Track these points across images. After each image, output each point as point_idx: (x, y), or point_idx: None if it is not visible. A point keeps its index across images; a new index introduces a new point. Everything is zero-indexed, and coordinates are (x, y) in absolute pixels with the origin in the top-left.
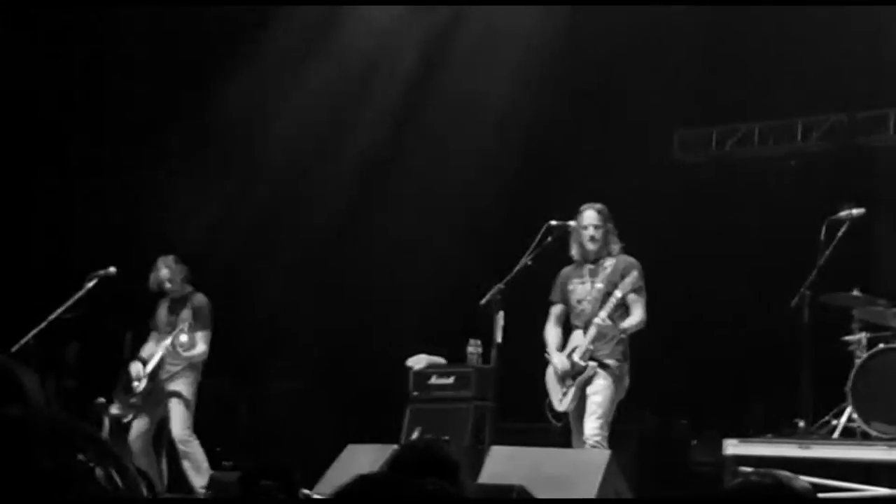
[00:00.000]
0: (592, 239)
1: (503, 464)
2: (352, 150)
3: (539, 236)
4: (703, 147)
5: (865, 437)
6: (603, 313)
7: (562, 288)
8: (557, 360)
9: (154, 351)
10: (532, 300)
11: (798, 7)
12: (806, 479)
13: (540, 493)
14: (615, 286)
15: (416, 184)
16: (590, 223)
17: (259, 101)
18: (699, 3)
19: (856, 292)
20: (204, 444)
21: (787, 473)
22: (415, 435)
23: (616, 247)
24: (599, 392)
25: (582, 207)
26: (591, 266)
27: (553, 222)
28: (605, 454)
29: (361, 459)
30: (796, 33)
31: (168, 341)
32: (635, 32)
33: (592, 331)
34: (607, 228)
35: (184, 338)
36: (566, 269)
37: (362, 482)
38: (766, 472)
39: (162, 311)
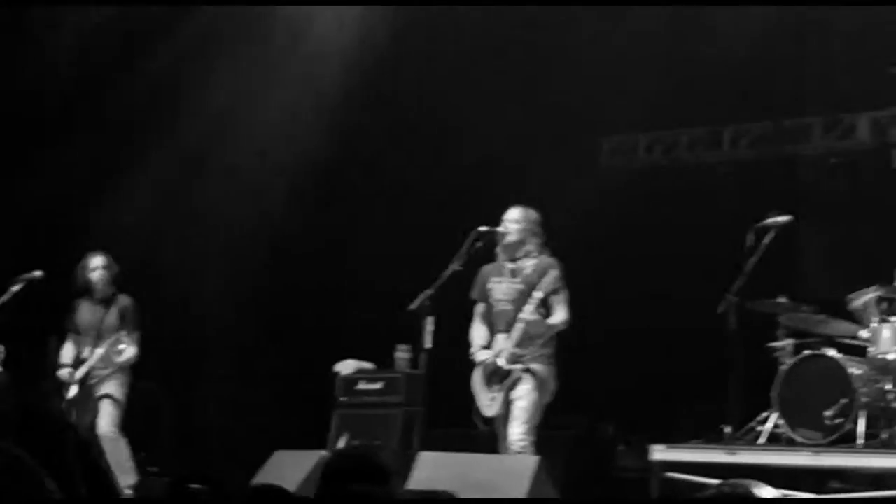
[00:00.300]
0: (508, 234)
1: (431, 470)
2: (284, 152)
3: (468, 242)
4: (631, 154)
5: (791, 444)
6: (529, 307)
7: (482, 286)
8: (483, 357)
9: (83, 355)
10: (461, 306)
11: (727, 15)
12: None
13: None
14: (534, 288)
15: (346, 186)
16: (509, 219)
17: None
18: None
19: (782, 299)
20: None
21: (754, 482)
22: (342, 440)
23: (541, 250)
24: (524, 397)
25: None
26: (511, 266)
27: (482, 228)
28: (533, 460)
29: (289, 465)
30: (725, 40)
31: (103, 349)
32: (568, 37)
33: (517, 332)
34: (529, 229)
35: (122, 347)
36: (487, 267)
37: None
38: (736, 483)
39: (85, 313)
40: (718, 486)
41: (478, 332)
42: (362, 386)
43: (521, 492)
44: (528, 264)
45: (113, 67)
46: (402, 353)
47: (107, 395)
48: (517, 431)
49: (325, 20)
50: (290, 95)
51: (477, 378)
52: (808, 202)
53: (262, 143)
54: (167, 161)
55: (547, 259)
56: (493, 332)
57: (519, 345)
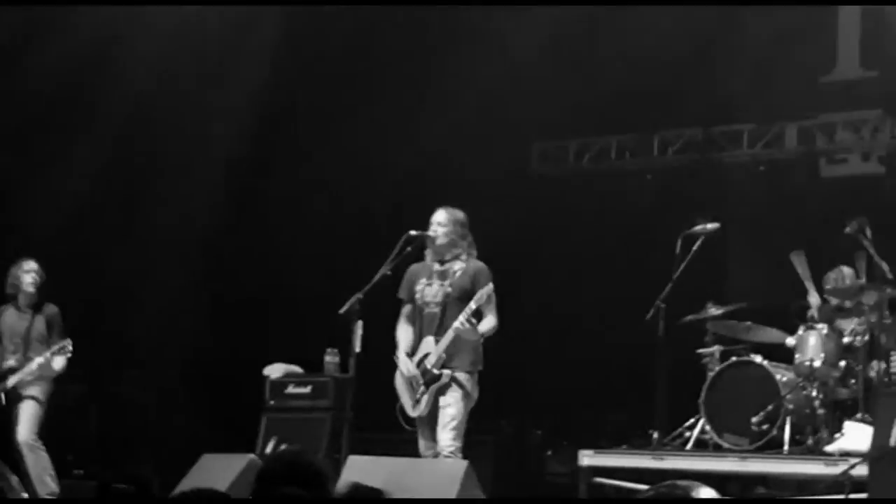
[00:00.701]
0: (436, 235)
1: (360, 473)
2: (217, 150)
3: (398, 246)
4: (561, 160)
5: (718, 449)
6: (462, 317)
7: (410, 286)
8: (404, 366)
9: (7, 363)
10: (391, 310)
11: (657, 20)
12: None
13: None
14: (463, 291)
15: (281, 187)
16: (437, 220)
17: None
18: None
19: (709, 306)
20: (54, 452)
21: (695, 483)
22: (270, 444)
23: (469, 252)
24: (452, 405)
25: None
26: (440, 268)
27: (412, 232)
28: (461, 464)
29: (216, 469)
30: (655, 47)
31: (42, 359)
32: (493, 48)
33: (448, 337)
34: (457, 231)
35: (58, 356)
36: (415, 267)
37: None
38: (674, 484)
39: (9, 319)
40: (657, 487)
41: (403, 334)
42: (291, 390)
43: (451, 495)
44: (457, 267)
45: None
46: (330, 357)
47: (31, 397)
48: (446, 438)
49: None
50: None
51: (400, 378)
52: (736, 210)
53: (187, 146)
54: (92, 159)
55: (475, 262)
56: (420, 333)
57: (447, 350)
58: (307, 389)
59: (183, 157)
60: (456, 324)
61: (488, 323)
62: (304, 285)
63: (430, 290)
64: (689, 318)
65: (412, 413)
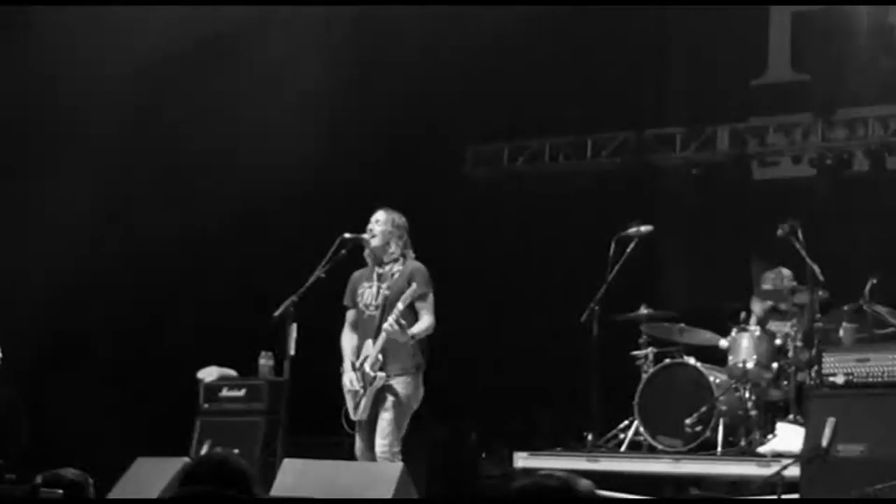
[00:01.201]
0: (373, 238)
1: (295, 476)
2: (145, 146)
3: (333, 249)
4: (495, 163)
5: (651, 451)
6: (391, 318)
7: (352, 292)
8: (348, 380)
9: None
10: (326, 312)
11: (590, 24)
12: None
13: None
14: (401, 293)
15: (208, 188)
16: (373, 223)
17: None
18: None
19: (643, 308)
20: None
21: (572, 475)
22: (205, 448)
23: (406, 253)
24: (390, 409)
25: None
26: (379, 271)
27: (347, 235)
28: (396, 467)
29: (151, 472)
30: (588, 51)
31: None
32: (427, 50)
33: (381, 339)
34: (394, 232)
35: None
36: (357, 273)
37: None
38: (549, 474)
39: None
40: (533, 475)
41: (347, 341)
42: (225, 393)
43: (386, 499)
44: (396, 269)
45: None
46: (265, 361)
47: None
48: (382, 443)
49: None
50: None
51: (346, 383)
52: (669, 212)
53: (117, 143)
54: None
55: (413, 263)
56: (361, 337)
57: (383, 353)
58: (241, 393)
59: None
60: (385, 325)
61: (423, 323)
62: (238, 287)
63: (369, 293)
64: (621, 317)
65: (353, 416)
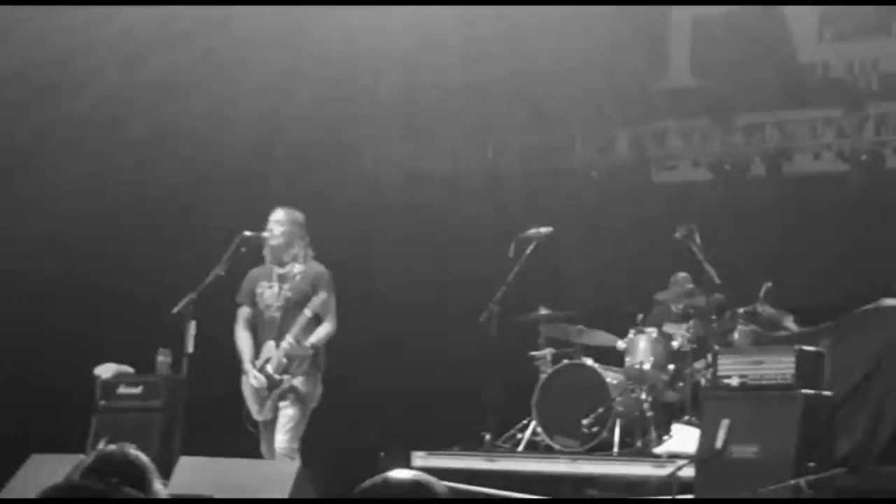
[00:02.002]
0: (273, 237)
1: (192, 474)
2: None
3: (232, 246)
4: (395, 163)
5: (549, 451)
6: (290, 337)
7: (249, 290)
8: (252, 378)
9: None
10: (225, 310)
11: (495, 24)
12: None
13: None
14: (304, 296)
15: (112, 186)
16: (274, 221)
17: None
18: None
19: (542, 309)
20: None
21: (426, 476)
22: (101, 445)
23: (307, 254)
24: (290, 407)
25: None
26: (280, 271)
27: (247, 232)
28: (293, 465)
29: (46, 470)
30: (490, 52)
31: None
32: (330, 49)
33: (283, 348)
34: (294, 231)
35: None
36: (255, 271)
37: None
38: (402, 471)
39: None
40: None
41: (244, 339)
42: (122, 390)
43: (282, 497)
44: (297, 270)
45: None
46: (163, 357)
47: None
48: (282, 440)
49: None
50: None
51: (247, 383)
52: (569, 214)
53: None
54: None
55: (315, 266)
56: (261, 337)
57: (287, 356)
58: (138, 390)
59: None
60: (284, 344)
61: (324, 330)
62: (136, 284)
63: (270, 293)
64: (520, 318)
65: (257, 417)
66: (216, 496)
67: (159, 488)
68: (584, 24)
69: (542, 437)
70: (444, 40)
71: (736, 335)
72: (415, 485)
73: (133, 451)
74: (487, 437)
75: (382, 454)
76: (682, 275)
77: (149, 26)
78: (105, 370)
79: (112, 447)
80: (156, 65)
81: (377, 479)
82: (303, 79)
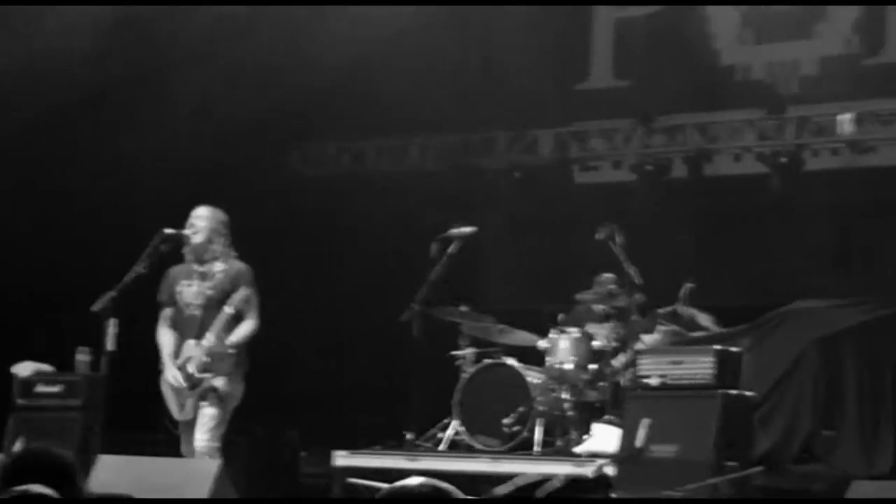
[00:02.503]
0: (195, 234)
1: (111, 473)
2: None
3: (152, 244)
4: (320, 161)
5: (470, 450)
6: (211, 336)
7: (170, 288)
8: (171, 376)
9: None
10: (145, 308)
11: (416, 24)
12: None
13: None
14: (225, 294)
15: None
16: (195, 218)
17: None
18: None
19: (464, 308)
20: None
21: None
22: (18, 444)
23: (228, 252)
24: (211, 406)
25: None
26: (200, 269)
27: (167, 230)
28: (214, 464)
29: None
30: (414, 52)
31: None
32: (257, 48)
33: (205, 347)
34: (216, 229)
35: None
36: (175, 269)
37: None
38: (423, 482)
39: None
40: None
41: (165, 338)
42: (41, 388)
43: (202, 496)
44: (218, 268)
45: None
46: (82, 356)
47: None
48: (202, 438)
49: None
50: None
51: (167, 383)
52: (492, 214)
53: None
54: None
55: (236, 264)
56: (181, 336)
57: (207, 355)
58: (57, 388)
59: None
60: (204, 342)
61: (246, 328)
62: (55, 282)
63: (190, 291)
64: (442, 317)
65: (178, 417)
66: (136, 496)
67: (83, 487)
68: (506, 25)
69: (464, 437)
70: (370, 37)
71: (657, 335)
72: (433, 490)
73: (57, 449)
74: (409, 436)
75: (303, 454)
76: (604, 275)
77: None
78: (23, 368)
79: (34, 446)
80: None
81: (396, 485)
82: (230, 76)
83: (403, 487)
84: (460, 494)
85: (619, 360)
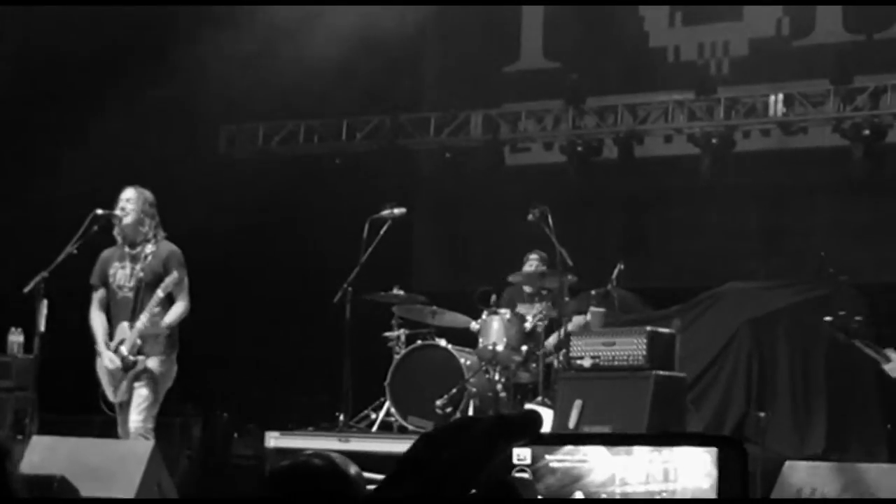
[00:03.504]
0: (123, 212)
1: (44, 454)
2: None
3: (85, 225)
4: (249, 143)
5: (403, 431)
6: (144, 318)
7: (102, 271)
8: (108, 360)
9: None
10: (78, 289)
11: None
12: None
13: (82, 484)
14: (155, 276)
15: None
16: (123, 200)
17: None
18: None
19: (396, 290)
20: None
21: (341, 457)
22: None
23: (158, 233)
24: (144, 387)
25: None
26: (131, 251)
27: (98, 211)
28: (147, 445)
29: None
30: (346, 34)
31: None
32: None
33: (138, 328)
34: (144, 210)
35: None
36: (107, 252)
37: None
38: (317, 453)
39: None
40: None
41: (97, 320)
42: None
43: (135, 477)
44: (148, 250)
45: None
46: (14, 337)
47: None
48: (136, 419)
49: None
50: None
51: (101, 365)
52: (423, 196)
53: None
54: None
55: (166, 245)
56: (114, 318)
57: (140, 337)
58: None
59: None
60: (138, 325)
61: (177, 309)
62: None
63: (122, 274)
64: (374, 298)
65: (113, 399)
66: (69, 476)
67: (12, 470)
68: (436, 7)
69: (396, 418)
70: (306, 20)
71: (588, 316)
72: (328, 464)
73: None
74: (341, 417)
75: (236, 435)
76: (534, 256)
77: None
78: None
79: None
80: None
81: (293, 460)
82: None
83: (300, 461)
84: (356, 469)
85: (550, 342)
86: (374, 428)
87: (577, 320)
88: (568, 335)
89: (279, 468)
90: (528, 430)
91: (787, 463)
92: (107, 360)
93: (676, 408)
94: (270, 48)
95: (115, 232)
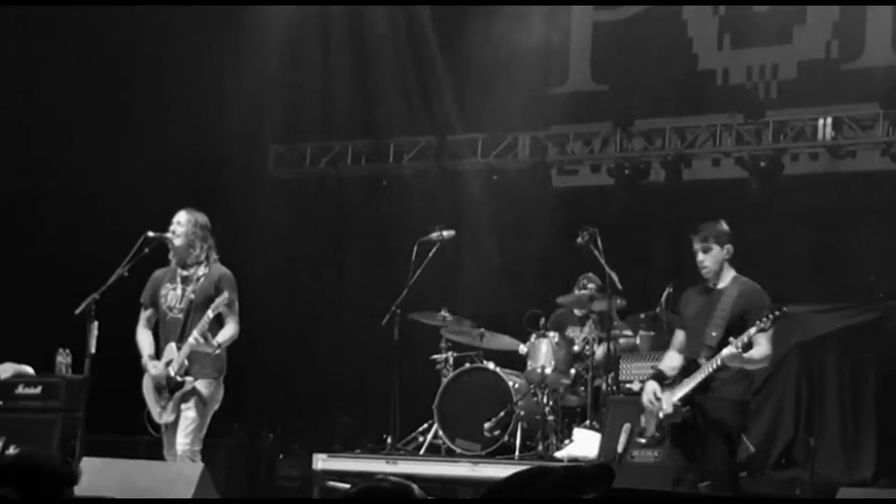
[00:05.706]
0: (174, 234)
1: (94, 476)
2: None
3: (136, 247)
4: (297, 163)
5: (450, 454)
6: (196, 333)
7: (153, 291)
8: (153, 368)
9: None
10: (128, 311)
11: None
12: None
13: None
14: (207, 297)
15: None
16: (176, 222)
17: None
18: None
19: (444, 312)
20: None
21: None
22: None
23: (210, 256)
24: (192, 409)
25: None
26: (183, 273)
27: (150, 233)
28: (197, 467)
29: None
30: (390, 55)
31: None
32: (234, 52)
33: (187, 348)
34: (196, 233)
35: None
36: (159, 272)
37: None
38: (384, 478)
39: None
40: (378, 479)
41: (144, 339)
42: (21, 390)
43: (185, 499)
44: (201, 272)
45: None
46: (62, 358)
47: None
48: (183, 441)
49: None
50: None
51: (148, 385)
52: (471, 218)
53: None
54: None
55: (218, 267)
56: (163, 339)
57: (189, 358)
58: (37, 390)
59: None
60: (190, 340)
61: (228, 331)
62: (36, 284)
63: (173, 295)
64: (422, 321)
65: (159, 420)
66: (119, 498)
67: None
68: (484, 29)
69: (444, 441)
70: (343, 44)
71: (637, 340)
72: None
73: (44, 453)
74: (389, 439)
75: (281, 456)
76: (584, 279)
77: None
78: (3, 370)
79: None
80: None
81: (366, 484)
82: (208, 77)
83: (373, 486)
84: (424, 496)
85: (599, 365)
86: (422, 451)
87: (629, 344)
88: (617, 358)
89: (354, 491)
90: (597, 484)
91: (842, 488)
92: (150, 367)
93: None
94: (315, 68)
95: (170, 255)
